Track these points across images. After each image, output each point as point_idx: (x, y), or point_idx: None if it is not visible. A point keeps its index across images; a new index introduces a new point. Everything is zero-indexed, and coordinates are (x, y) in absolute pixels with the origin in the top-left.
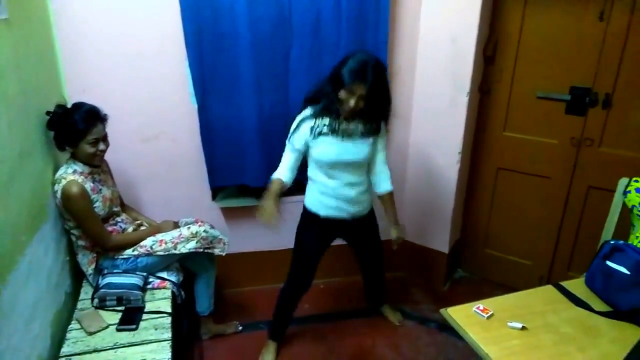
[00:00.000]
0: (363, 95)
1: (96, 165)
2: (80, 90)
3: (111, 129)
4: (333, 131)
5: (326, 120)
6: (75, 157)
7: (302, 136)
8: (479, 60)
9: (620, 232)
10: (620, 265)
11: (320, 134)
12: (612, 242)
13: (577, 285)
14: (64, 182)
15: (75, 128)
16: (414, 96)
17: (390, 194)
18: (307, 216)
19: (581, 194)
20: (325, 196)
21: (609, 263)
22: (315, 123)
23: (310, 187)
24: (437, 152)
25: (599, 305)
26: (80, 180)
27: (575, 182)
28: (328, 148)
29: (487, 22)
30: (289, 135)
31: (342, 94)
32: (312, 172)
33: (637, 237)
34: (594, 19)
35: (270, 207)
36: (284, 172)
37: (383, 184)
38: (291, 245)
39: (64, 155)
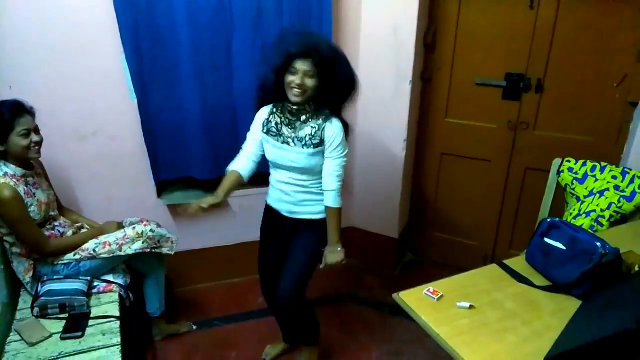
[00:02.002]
0: (308, 73)
1: (29, 167)
2: (7, 87)
3: (44, 127)
4: (276, 134)
5: (277, 119)
6: (6, 158)
7: (257, 126)
8: (420, 49)
9: (556, 210)
10: (557, 241)
11: (268, 131)
12: (549, 220)
13: (518, 263)
14: None
15: (2, 120)
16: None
17: (331, 211)
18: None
19: (519, 176)
20: (271, 185)
21: (546, 240)
22: (268, 117)
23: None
24: (384, 141)
25: (539, 280)
26: (12, 184)
27: (513, 165)
28: (269, 148)
29: (426, 12)
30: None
31: (288, 77)
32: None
33: (571, 213)
34: (525, 7)
35: (194, 208)
36: (240, 163)
37: (326, 197)
38: (241, 240)
39: None
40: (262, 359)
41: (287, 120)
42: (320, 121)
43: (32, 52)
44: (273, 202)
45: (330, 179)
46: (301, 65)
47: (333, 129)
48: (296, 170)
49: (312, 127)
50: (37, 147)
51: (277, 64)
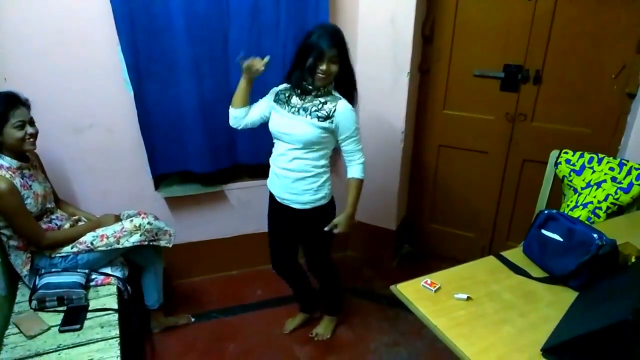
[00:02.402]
0: (333, 59)
1: (24, 159)
2: (2, 80)
3: (40, 119)
4: (284, 103)
5: (289, 92)
6: (1, 150)
7: (269, 96)
8: (418, 41)
9: (553, 202)
10: (554, 233)
11: (277, 100)
12: (546, 212)
13: (515, 254)
14: None
15: None
16: (357, 78)
17: (355, 182)
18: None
19: (517, 167)
20: (271, 167)
21: (543, 231)
22: (282, 90)
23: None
24: (382, 133)
25: (536, 271)
26: (8, 176)
27: (511, 156)
28: (275, 117)
29: (424, 3)
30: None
31: (312, 61)
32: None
33: (568, 205)
34: None
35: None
36: (242, 102)
37: (351, 170)
38: (239, 233)
39: None
40: (283, 331)
41: (299, 92)
42: (328, 98)
43: (28, 44)
44: (272, 187)
45: (354, 155)
46: (328, 52)
47: (344, 114)
48: (296, 141)
49: (320, 101)
50: (31, 139)
51: (304, 50)
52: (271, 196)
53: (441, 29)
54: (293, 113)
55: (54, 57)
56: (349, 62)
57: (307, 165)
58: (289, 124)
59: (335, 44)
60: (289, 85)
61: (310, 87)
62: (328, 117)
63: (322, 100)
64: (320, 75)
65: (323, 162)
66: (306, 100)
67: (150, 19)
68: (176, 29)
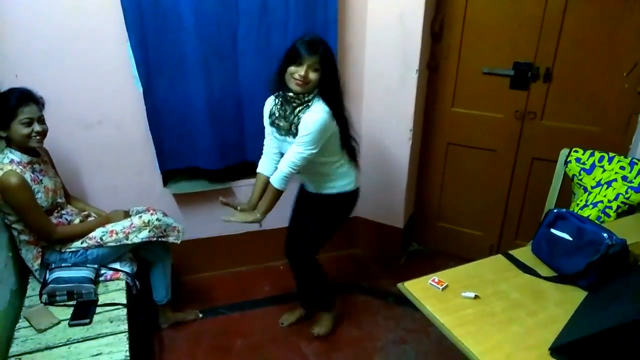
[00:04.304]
0: (313, 66)
1: (35, 154)
2: (13, 76)
3: (50, 115)
4: (277, 127)
5: (276, 111)
6: (10, 145)
7: (265, 118)
8: (427, 38)
9: (563, 201)
10: (563, 232)
11: (272, 123)
12: (555, 211)
13: (524, 253)
14: (0, 173)
15: (6, 107)
16: (364, 75)
17: (271, 187)
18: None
19: (526, 166)
20: None
21: (553, 231)
22: (272, 108)
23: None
24: (389, 130)
25: (544, 270)
26: (18, 171)
27: (520, 155)
28: (275, 139)
29: (433, 0)
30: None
31: (292, 68)
32: None
33: (577, 204)
34: None
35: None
36: (263, 164)
37: (273, 175)
38: (247, 230)
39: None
40: (280, 323)
41: (283, 111)
42: (302, 111)
43: (38, 40)
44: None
45: (284, 162)
46: (307, 59)
47: (306, 119)
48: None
49: (298, 117)
50: (38, 137)
51: (285, 56)
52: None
53: (450, 26)
54: (284, 135)
55: (63, 53)
56: (333, 73)
57: (321, 166)
58: (286, 147)
59: (316, 51)
60: (274, 99)
61: (290, 94)
62: None
63: (300, 116)
64: (297, 80)
65: (329, 158)
66: (288, 120)
67: (160, 15)
68: (185, 26)
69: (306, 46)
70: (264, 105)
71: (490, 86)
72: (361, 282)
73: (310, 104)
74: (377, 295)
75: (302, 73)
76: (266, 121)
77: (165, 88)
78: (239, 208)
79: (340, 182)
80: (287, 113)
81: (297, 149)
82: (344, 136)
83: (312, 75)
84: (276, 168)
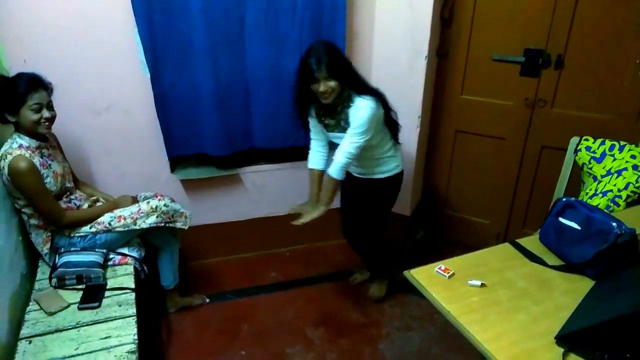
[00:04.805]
0: (328, 78)
1: (43, 139)
2: (21, 61)
3: (58, 100)
4: (325, 125)
5: (320, 114)
6: (19, 130)
7: (314, 127)
8: (436, 24)
9: (571, 189)
10: (572, 221)
11: (320, 122)
12: (564, 200)
13: (531, 242)
14: (10, 157)
15: (15, 93)
16: (372, 61)
17: (329, 178)
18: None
19: (535, 154)
20: None
21: (561, 219)
22: (316, 114)
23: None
24: (398, 117)
25: (552, 259)
26: (27, 155)
27: (529, 143)
28: (320, 133)
29: None
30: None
31: (314, 86)
32: None
33: (587, 193)
34: None
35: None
36: (313, 158)
37: (331, 166)
38: (253, 216)
39: (8, 130)
40: (351, 281)
41: (328, 113)
42: (347, 107)
43: (46, 26)
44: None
45: (340, 153)
46: (319, 73)
47: (355, 112)
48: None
49: (345, 113)
50: (46, 123)
51: (300, 76)
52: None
53: (460, 11)
54: (334, 132)
55: (71, 39)
56: (347, 68)
57: (368, 152)
58: (338, 141)
59: (322, 62)
60: (314, 109)
61: (328, 104)
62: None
63: (345, 111)
64: (323, 95)
65: (376, 140)
66: (335, 118)
67: (167, 1)
68: (193, 11)
69: (314, 61)
70: (271, 91)
71: (500, 73)
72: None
73: (350, 101)
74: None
75: (322, 89)
76: (312, 121)
77: (173, 74)
78: (302, 208)
79: (389, 166)
80: (333, 114)
81: (351, 140)
82: (386, 112)
83: (332, 84)
84: (325, 161)
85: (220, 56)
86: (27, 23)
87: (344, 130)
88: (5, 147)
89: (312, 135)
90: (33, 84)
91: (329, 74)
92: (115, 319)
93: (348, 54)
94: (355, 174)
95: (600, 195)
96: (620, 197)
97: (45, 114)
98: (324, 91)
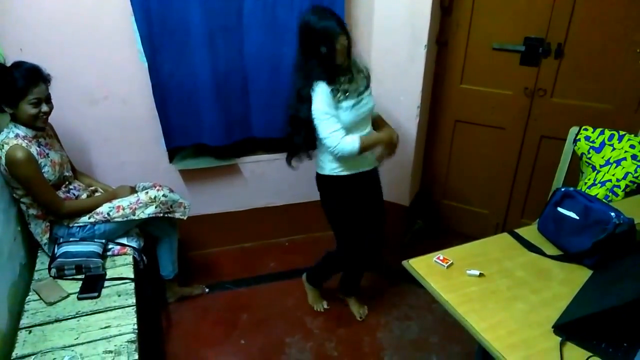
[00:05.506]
0: (344, 36)
1: (40, 128)
2: (18, 50)
3: (56, 90)
4: (347, 94)
5: (338, 86)
6: (16, 120)
7: (329, 104)
8: (436, 12)
9: (570, 179)
10: (570, 210)
11: (339, 100)
12: (563, 189)
13: (530, 232)
14: (6, 147)
15: (14, 87)
16: (372, 50)
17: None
18: (332, 184)
19: (534, 144)
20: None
21: (560, 209)
22: (331, 91)
23: (322, 154)
24: (397, 107)
25: (550, 249)
26: (24, 145)
27: (528, 132)
28: (348, 111)
29: None
30: (320, 110)
31: (339, 43)
32: None
33: (585, 183)
34: None
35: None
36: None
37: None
38: (252, 206)
39: (4, 120)
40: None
41: (347, 80)
42: (361, 66)
43: (43, 14)
44: (355, 169)
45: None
46: (339, 35)
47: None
48: (368, 117)
49: (363, 73)
50: (44, 117)
51: (317, 39)
52: (352, 180)
53: (460, 0)
54: (360, 95)
55: (68, 27)
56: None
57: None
58: (364, 105)
59: (335, 17)
60: (329, 87)
61: (343, 66)
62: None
63: (362, 71)
64: (344, 53)
65: None
66: (355, 80)
67: None
68: None
69: (335, 19)
70: (269, 80)
71: (500, 62)
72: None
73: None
74: (382, 272)
75: (344, 43)
76: (333, 108)
77: (171, 63)
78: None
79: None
80: (352, 78)
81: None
82: None
83: (346, 42)
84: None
85: (218, 45)
86: (24, 11)
87: (364, 89)
88: (1, 137)
89: (338, 125)
90: (33, 78)
91: (342, 29)
92: (115, 309)
93: None
94: (368, 167)
95: (599, 185)
96: (619, 187)
97: (44, 108)
98: (345, 46)
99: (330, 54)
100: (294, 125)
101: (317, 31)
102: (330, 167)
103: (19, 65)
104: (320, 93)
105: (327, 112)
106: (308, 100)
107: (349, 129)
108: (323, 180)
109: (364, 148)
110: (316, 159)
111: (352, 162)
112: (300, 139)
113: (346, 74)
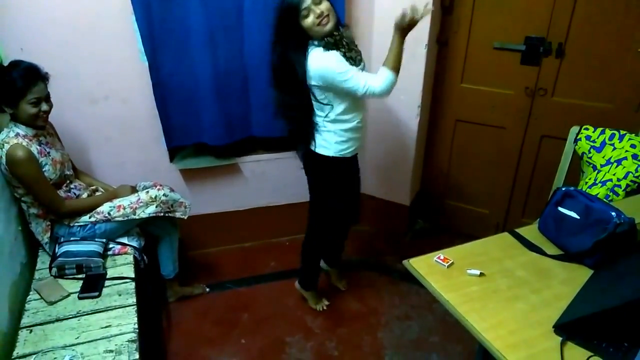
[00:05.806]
0: (317, 3)
1: (40, 127)
2: (18, 49)
3: (56, 89)
4: (352, 59)
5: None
6: (16, 119)
7: (343, 59)
8: (437, 11)
9: (571, 179)
10: (571, 210)
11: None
12: (563, 189)
13: (530, 231)
14: (7, 146)
15: (14, 87)
16: (372, 49)
17: None
18: (335, 165)
19: (535, 143)
20: (350, 136)
21: (560, 209)
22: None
23: (329, 134)
24: (397, 106)
25: (551, 249)
26: (25, 144)
27: (529, 132)
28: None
29: None
30: (342, 71)
31: (306, 21)
32: (340, 113)
33: (586, 182)
34: None
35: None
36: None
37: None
38: (253, 205)
39: (4, 119)
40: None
41: (347, 49)
42: (355, 43)
43: (43, 14)
44: (353, 151)
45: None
46: (306, 2)
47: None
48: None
49: (357, 47)
50: (45, 116)
51: (289, 23)
52: (349, 161)
53: None
54: (361, 65)
55: (69, 27)
56: None
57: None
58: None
59: None
60: (335, 50)
61: (331, 38)
62: None
63: (357, 48)
64: (321, 22)
65: None
66: (354, 50)
67: None
68: None
69: None
70: (269, 79)
71: (501, 62)
72: (366, 258)
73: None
74: (383, 272)
75: (318, 12)
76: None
77: (171, 62)
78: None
79: None
80: (349, 44)
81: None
82: None
83: (326, 4)
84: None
85: (218, 44)
86: (23, 11)
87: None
88: (1, 136)
89: (357, 70)
90: (32, 77)
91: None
92: (116, 308)
93: None
94: (356, 153)
95: (600, 184)
96: (619, 186)
97: (44, 107)
98: (320, 14)
99: (302, 23)
100: (287, 109)
101: (284, 7)
102: (338, 149)
103: (16, 64)
104: (333, 55)
105: (347, 66)
106: (294, 67)
107: (354, 106)
108: (325, 161)
109: (395, 66)
110: (316, 140)
111: (358, 139)
112: (296, 122)
113: (344, 45)
